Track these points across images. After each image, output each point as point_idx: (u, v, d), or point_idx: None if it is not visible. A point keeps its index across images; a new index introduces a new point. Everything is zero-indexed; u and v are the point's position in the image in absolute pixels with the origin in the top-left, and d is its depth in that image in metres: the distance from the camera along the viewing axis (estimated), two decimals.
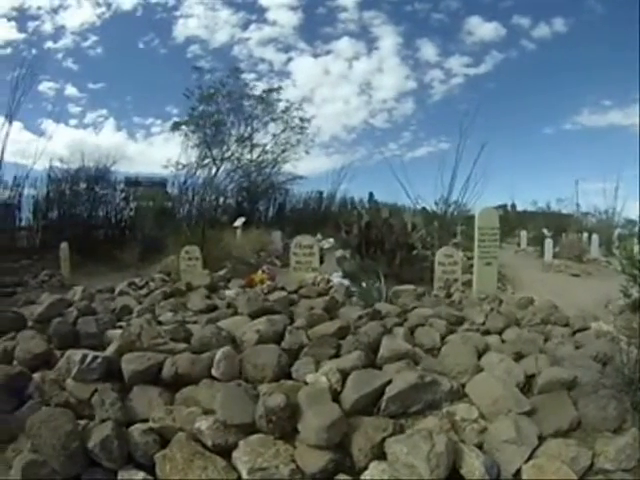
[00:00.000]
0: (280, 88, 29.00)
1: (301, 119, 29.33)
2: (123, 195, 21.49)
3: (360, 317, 5.90)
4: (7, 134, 13.72)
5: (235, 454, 3.56)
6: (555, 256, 20.86)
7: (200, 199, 23.56)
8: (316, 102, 28.06)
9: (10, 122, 13.49)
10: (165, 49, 39.22)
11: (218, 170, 27.31)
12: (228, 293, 8.12)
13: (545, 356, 4.80)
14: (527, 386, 4.28)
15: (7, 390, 4.40)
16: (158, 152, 37.43)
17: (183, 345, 5.06)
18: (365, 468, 3.42)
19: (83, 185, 20.23)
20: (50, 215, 19.40)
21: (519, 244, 27.67)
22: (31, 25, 31.85)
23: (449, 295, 9.14)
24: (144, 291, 9.06)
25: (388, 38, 40.56)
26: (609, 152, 42.40)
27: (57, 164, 20.21)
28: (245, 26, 38.95)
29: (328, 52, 40.12)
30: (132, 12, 35.05)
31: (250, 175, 27.33)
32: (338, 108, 27.78)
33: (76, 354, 4.61)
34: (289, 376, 4.59)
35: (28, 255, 16.55)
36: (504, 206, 33.01)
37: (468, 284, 10.48)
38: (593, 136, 40.85)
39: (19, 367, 4.71)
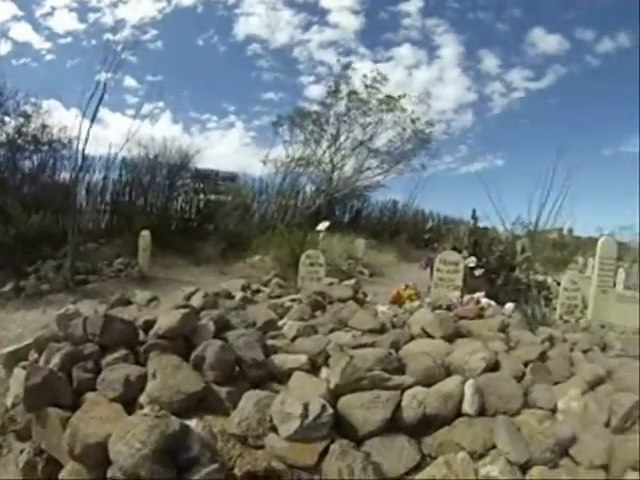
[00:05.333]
0: (404, 95, 27.26)
1: (427, 122, 28.10)
2: (201, 187, 20.74)
3: (543, 342, 5.69)
4: (92, 123, 12.68)
5: None
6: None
7: (291, 199, 22.95)
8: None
9: (90, 113, 12.62)
10: (224, 46, 38.96)
11: (333, 171, 26.49)
12: (381, 309, 7.22)
13: None
14: None
15: (162, 455, 2.91)
16: (213, 147, 37.12)
17: (410, 379, 4.20)
18: None
19: (159, 173, 19.40)
20: (119, 200, 18.60)
21: (581, 271, 26.50)
22: (92, 17, 31.47)
23: (577, 320, 8.87)
24: (266, 298, 8.16)
25: (450, 47, 40.02)
26: None
27: (134, 151, 19.33)
28: (306, 27, 38.32)
29: (389, 59, 39.41)
30: (192, 8, 34.96)
31: (332, 179, 26.34)
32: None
33: (288, 402, 3.50)
34: (527, 404, 4.24)
35: (94, 238, 15.32)
36: (560, 230, 31.81)
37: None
38: None
39: (175, 420, 3.17)
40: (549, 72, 41.87)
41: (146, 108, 33.22)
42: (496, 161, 40.49)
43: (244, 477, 3.04)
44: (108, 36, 23.20)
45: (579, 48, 39.65)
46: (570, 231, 34.42)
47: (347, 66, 27.38)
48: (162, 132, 32.91)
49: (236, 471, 3.10)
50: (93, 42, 29.39)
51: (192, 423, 3.32)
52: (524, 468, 3.44)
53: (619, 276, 19.41)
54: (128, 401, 3.72)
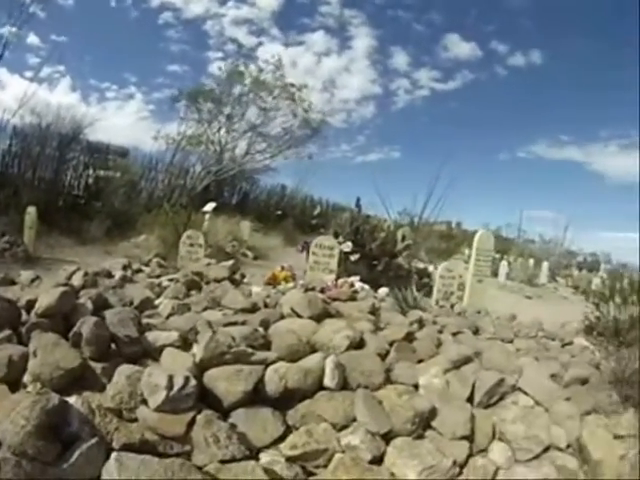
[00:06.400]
0: (306, 86, 27.57)
1: (319, 112, 28.31)
2: (91, 162, 19.68)
3: (411, 323, 6.02)
4: None
5: (392, 461, 3.57)
6: (506, 277, 22.17)
7: (180, 178, 22.69)
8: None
9: None
10: (137, 12, 38.02)
11: (222, 152, 26.34)
12: (255, 290, 7.40)
13: (555, 361, 5.36)
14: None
15: (45, 431, 2.93)
16: (108, 119, 36.02)
17: (274, 354, 4.36)
18: (484, 450, 3.89)
19: (50, 145, 18.27)
20: (7, 172, 17.54)
21: (466, 261, 27.69)
22: None
23: (452, 306, 9.52)
24: (145, 277, 8.26)
25: (363, 39, 40.53)
26: (561, 185, 43.88)
27: (27, 119, 18.56)
28: (223, 1, 37.73)
29: (300, 43, 39.57)
30: None
31: (222, 159, 26.10)
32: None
33: (155, 375, 3.53)
34: (390, 380, 4.54)
35: None
36: (449, 223, 33.02)
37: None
38: (547, 167, 42.39)
39: (55, 395, 3.10)
40: (457, 76, 43.32)
41: (46, 71, 31.54)
42: (393, 153, 41.75)
43: (121, 450, 3.05)
44: None
45: (491, 58, 41.31)
46: (458, 224, 35.80)
47: (255, 47, 27.27)
48: (59, 99, 31.63)
49: (114, 444, 3.13)
50: None
51: (72, 399, 3.32)
52: (387, 438, 3.69)
53: (502, 268, 21.51)
54: (13, 381, 3.65)
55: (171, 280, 7.34)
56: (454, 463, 3.57)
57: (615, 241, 45.27)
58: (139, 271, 8.82)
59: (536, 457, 3.80)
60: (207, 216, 17.03)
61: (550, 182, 48.31)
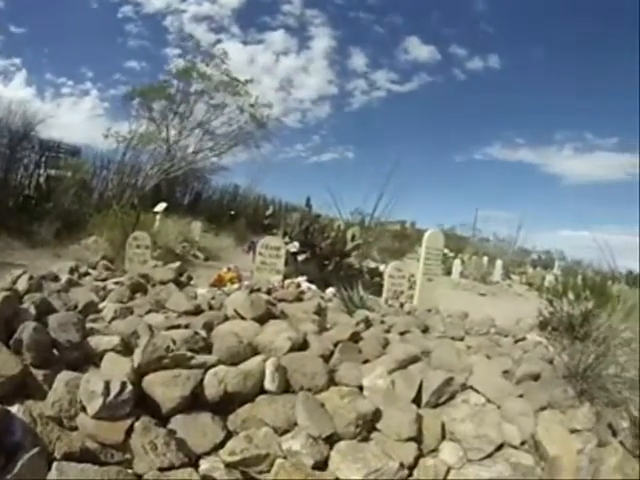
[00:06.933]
0: (251, 80, 27.60)
1: (267, 116, 28.26)
2: (43, 160, 18.90)
3: (357, 323, 5.99)
4: None
5: (336, 465, 3.55)
6: (460, 276, 22.49)
7: (131, 177, 22.02)
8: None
9: None
10: (97, 4, 37.44)
11: (169, 150, 26.08)
12: (200, 292, 7.32)
13: (507, 357, 5.40)
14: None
15: None
16: (63, 116, 35.53)
17: (214, 358, 4.27)
18: (435, 450, 3.90)
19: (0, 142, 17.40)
20: None
21: (419, 260, 28.11)
22: None
23: (401, 305, 9.45)
24: (92, 280, 8.02)
25: (323, 39, 40.65)
26: (516, 186, 44.61)
27: None
28: None
29: (259, 42, 39.43)
30: None
31: (173, 158, 25.71)
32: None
33: (92, 381, 3.44)
34: (333, 382, 4.51)
35: None
36: (403, 222, 33.25)
37: None
38: (502, 168, 43.06)
39: None
40: (414, 78, 43.64)
41: (1, 64, 31.00)
42: (347, 153, 41.91)
43: (63, 459, 2.98)
44: None
45: (449, 61, 41.83)
46: (413, 224, 36.13)
47: (214, 44, 27.22)
48: (13, 93, 31.06)
49: (56, 454, 3.05)
50: None
51: (14, 408, 3.24)
52: (330, 442, 3.66)
53: (455, 266, 22.03)
54: None
55: (117, 283, 7.22)
56: (401, 465, 3.55)
57: (571, 239, 46.12)
58: (86, 274, 8.64)
59: (489, 455, 3.84)
60: (158, 217, 16.82)
61: (505, 183, 49.31)
